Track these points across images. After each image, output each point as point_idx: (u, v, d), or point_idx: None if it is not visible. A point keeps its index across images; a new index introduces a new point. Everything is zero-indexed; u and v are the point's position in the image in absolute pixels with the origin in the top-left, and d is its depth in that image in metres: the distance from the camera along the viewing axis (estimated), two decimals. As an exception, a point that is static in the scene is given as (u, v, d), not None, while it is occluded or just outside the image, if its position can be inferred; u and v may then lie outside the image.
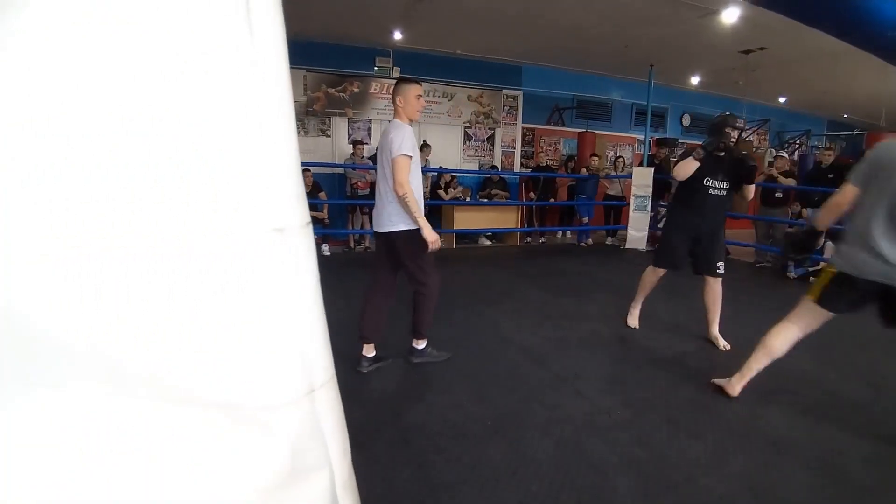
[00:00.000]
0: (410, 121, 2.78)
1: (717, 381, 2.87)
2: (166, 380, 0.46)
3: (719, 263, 3.49)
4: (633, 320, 3.96)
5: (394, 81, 7.85)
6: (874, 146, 2.31)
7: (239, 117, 0.47)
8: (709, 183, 3.39)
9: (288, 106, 0.51)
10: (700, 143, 3.42)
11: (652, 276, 3.79)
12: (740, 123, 3.39)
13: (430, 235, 2.74)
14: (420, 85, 2.80)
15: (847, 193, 2.28)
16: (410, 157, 2.67)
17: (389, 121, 2.91)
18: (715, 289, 3.56)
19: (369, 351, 3.01)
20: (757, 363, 2.65)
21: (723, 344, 3.55)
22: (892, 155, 2.16)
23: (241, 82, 0.47)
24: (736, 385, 2.73)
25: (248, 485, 0.49)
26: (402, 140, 2.65)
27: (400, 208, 2.73)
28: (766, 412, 2.64)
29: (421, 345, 3.12)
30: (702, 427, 2.46)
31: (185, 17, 0.43)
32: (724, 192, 3.42)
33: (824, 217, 2.44)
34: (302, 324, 0.53)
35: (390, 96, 8.09)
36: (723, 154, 3.34)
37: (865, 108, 9.66)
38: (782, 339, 2.55)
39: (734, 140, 3.33)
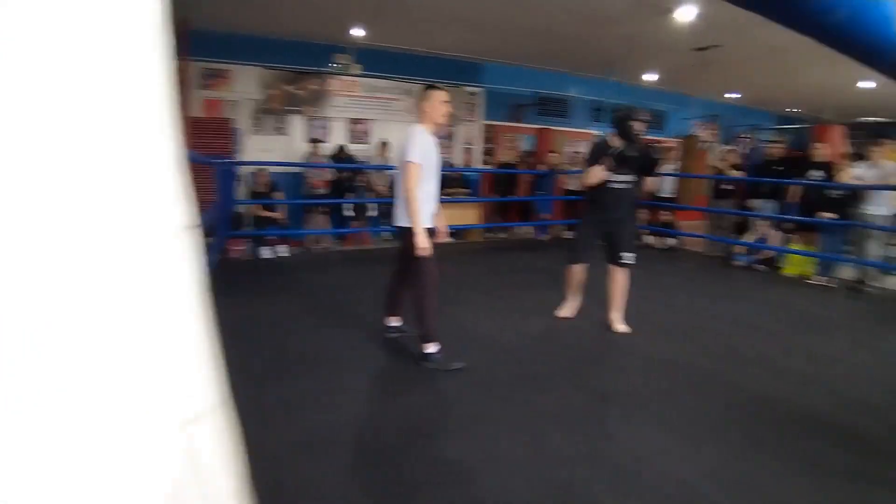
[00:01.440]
0: (436, 125, 2.99)
1: None
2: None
3: (622, 253, 3.60)
4: (565, 312, 3.98)
5: (351, 78, 7.91)
6: None
7: (110, 115, 0.42)
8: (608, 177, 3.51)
9: (167, 99, 0.46)
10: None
11: (573, 273, 3.88)
12: (645, 115, 3.51)
13: (422, 242, 2.89)
14: (446, 91, 3.05)
15: None
16: (418, 164, 2.87)
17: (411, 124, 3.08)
18: (616, 278, 3.67)
19: (395, 321, 3.41)
20: None
21: (620, 328, 3.68)
22: None
23: (106, 73, 0.42)
24: None
25: None
26: (413, 147, 2.86)
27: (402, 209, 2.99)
28: (734, 403, 2.71)
29: (430, 348, 3.05)
30: (669, 418, 2.50)
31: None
32: (626, 185, 3.52)
33: None
34: (176, 344, 0.46)
35: (349, 94, 8.12)
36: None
37: (811, 103, 10.09)
38: None
39: (638, 133, 3.43)
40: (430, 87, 3.05)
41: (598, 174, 3.48)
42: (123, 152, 0.43)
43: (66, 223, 0.40)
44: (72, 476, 0.41)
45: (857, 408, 2.68)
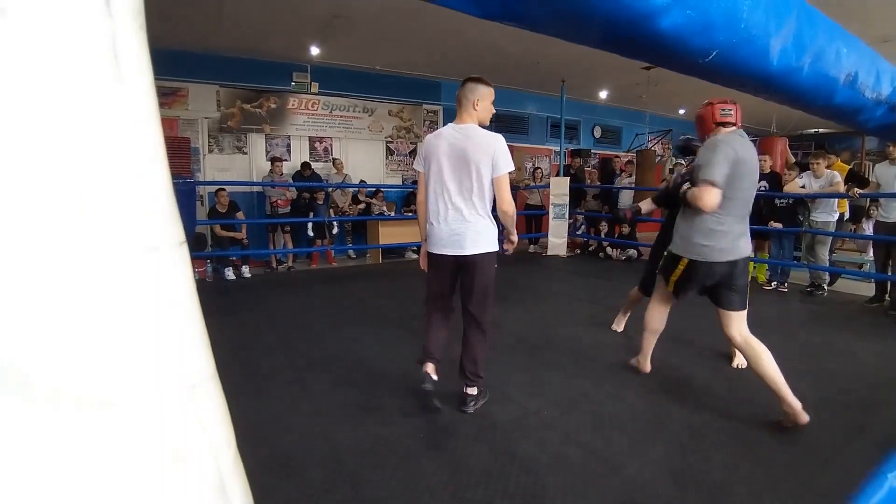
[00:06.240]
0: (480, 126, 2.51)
1: (633, 363, 3.25)
2: (35, 380, 0.44)
3: None
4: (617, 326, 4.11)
5: (311, 97, 7.90)
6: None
7: (107, 140, 0.46)
8: None
9: (156, 121, 0.52)
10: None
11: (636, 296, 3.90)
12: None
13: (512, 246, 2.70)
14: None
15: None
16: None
17: (457, 125, 2.48)
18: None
19: (434, 371, 2.69)
20: (649, 343, 3.11)
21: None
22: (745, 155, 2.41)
23: (106, 103, 0.46)
24: (644, 363, 3.16)
25: (127, 474, 0.49)
26: (508, 154, 2.47)
27: (487, 228, 2.50)
28: (680, 399, 2.82)
29: (475, 390, 2.70)
30: (623, 420, 2.58)
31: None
32: None
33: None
34: (175, 329, 0.54)
35: (309, 112, 8.09)
36: None
37: (757, 116, 10.64)
38: (658, 318, 3.02)
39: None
40: (483, 80, 2.48)
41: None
42: (125, 167, 0.47)
43: (65, 233, 0.44)
44: (113, 421, 0.48)
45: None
